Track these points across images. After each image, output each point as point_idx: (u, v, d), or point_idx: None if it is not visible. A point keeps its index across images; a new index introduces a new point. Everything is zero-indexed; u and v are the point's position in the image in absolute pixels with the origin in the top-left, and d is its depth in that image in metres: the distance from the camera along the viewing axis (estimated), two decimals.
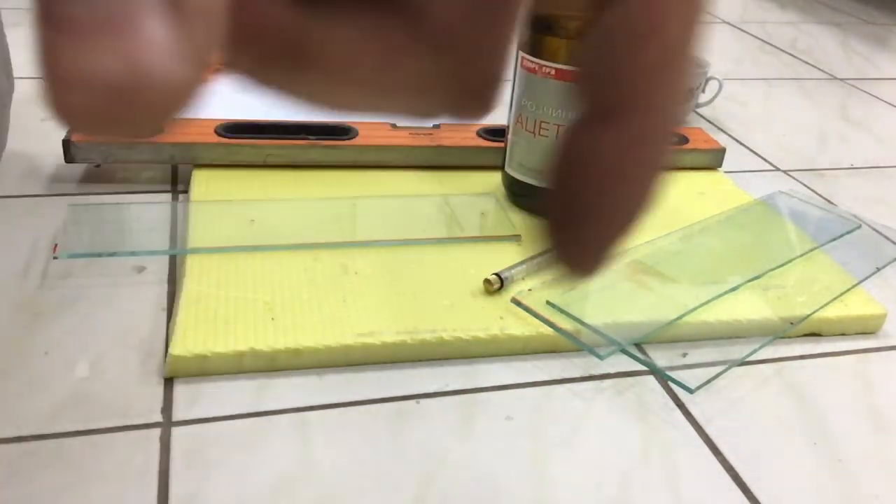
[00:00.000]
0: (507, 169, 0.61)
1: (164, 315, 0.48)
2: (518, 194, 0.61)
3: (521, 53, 0.56)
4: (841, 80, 1.07)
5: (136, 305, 0.49)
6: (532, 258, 0.53)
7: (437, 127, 0.69)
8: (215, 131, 0.64)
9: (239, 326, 0.45)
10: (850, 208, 0.70)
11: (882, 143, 0.86)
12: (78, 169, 0.64)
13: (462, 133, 0.68)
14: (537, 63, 0.55)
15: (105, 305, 0.48)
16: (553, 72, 0.55)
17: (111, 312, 0.48)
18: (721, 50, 1.16)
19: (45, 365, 0.44)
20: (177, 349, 0.43)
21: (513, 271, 0.51)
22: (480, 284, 0.51)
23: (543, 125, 0.57)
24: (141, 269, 0.52)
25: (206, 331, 0.45)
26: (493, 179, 0.64)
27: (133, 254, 0.53)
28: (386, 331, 0.46)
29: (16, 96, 0.63)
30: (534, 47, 0.55)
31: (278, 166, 0.64)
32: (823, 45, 1.22)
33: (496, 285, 0.50)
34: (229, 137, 0.63)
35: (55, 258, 0.51)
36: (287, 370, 0.44)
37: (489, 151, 0.67)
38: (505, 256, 0.53)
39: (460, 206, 0.61)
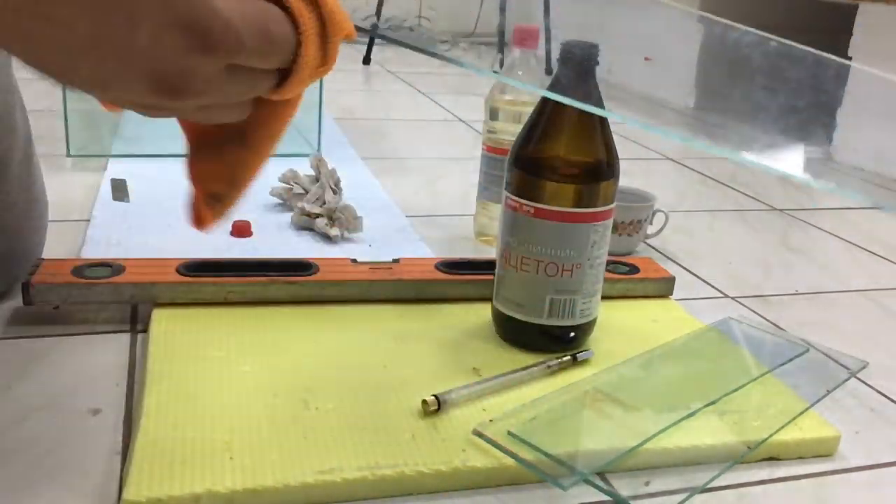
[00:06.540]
0: (494, 302, 0.62)
1: (118, 459, 0.47)
2: (503, 327, 0.62)
3: (506, 193, 0.59)
4: (780, 210, 1.13)
5: (89, 450, 0.47)
6: (477, 383, 0.54)
7: (396, 261, 0.71)
8: (177, 270, 0.64)
9: (196, 467, 0.44)
10: (798, 333, 0.72)
11: (824, 269, 0.90)
12: (36, 311, 0.63)
13: (420, 267, 0.70)
14: (518, 202, 0.58)
15: (58, 450, 0.47)
16: (532, 210, 0.57)
17: (64, 457, 0.47)
18: (665, 184, 1.22)
19: None
20: (130, 494, 0.42)
21: (453, 394, 0.52)
22: (441, 416, 0.51)
23: (525, 260, 0.58)
24: (96, 412, 0.51)
25: (162, 473, 0.44)
26: (452, 311, 0.65)
27: (89, 396, 0.52)
28: (347, 467, 0.45)
29: None
30: (516, 187, 0.58)
31: (239, 303, 0.64)
32: (761, 179, 1.30)
33: (433, 406, 0.50)
34: (190, 276, 0.64)
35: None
36: None
37: (447, 284, 0.68)
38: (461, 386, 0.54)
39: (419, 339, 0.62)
